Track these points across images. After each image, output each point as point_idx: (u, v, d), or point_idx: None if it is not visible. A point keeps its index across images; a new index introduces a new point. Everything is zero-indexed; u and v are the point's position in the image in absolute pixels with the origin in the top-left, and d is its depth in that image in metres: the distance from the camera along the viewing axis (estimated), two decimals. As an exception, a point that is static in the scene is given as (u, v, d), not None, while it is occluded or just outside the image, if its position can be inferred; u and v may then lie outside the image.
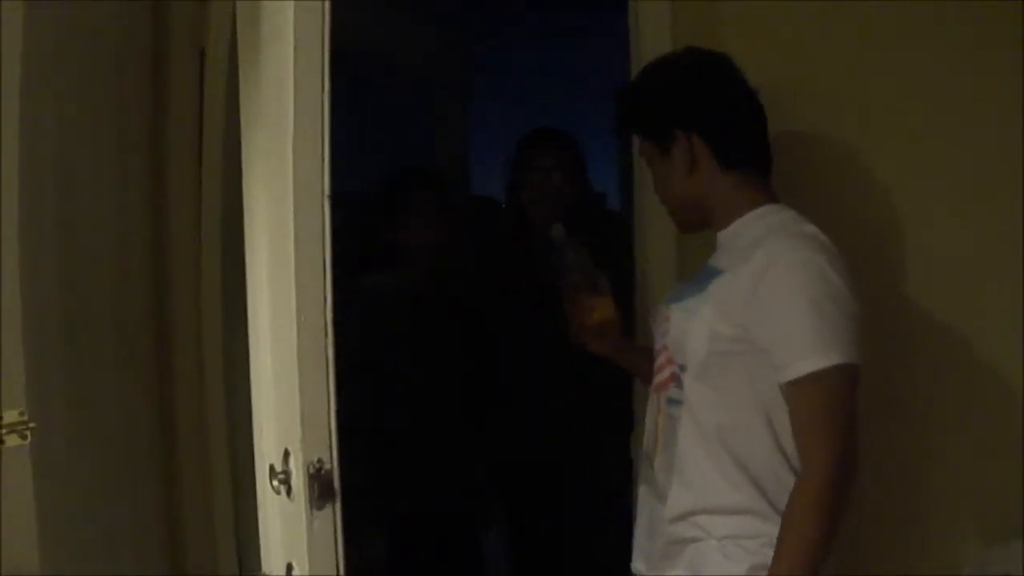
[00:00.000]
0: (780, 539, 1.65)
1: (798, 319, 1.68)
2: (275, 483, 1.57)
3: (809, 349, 1.66)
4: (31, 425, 1.68)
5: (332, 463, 1.52)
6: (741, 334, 1.72)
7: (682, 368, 1.80)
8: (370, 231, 2.76)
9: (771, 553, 1.66)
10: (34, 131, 1.78)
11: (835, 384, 1.66)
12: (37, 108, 1.80)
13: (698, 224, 1.92)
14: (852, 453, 1.67)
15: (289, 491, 1.55)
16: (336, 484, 1.52)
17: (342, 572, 1.54)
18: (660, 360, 1.88)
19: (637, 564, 1.91)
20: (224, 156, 2.36)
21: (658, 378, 1.88)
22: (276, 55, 1.58)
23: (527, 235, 2.87)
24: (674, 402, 1.82)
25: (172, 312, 2.43)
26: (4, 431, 1.66)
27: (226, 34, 2.25)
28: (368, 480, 1.93)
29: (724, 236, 1.86)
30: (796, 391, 1.67)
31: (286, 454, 1.56)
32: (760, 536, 1.70)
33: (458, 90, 4.04)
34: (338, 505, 1.52)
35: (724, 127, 1.84)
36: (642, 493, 1.92)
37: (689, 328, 1.79)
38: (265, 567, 1.75)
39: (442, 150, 3.88)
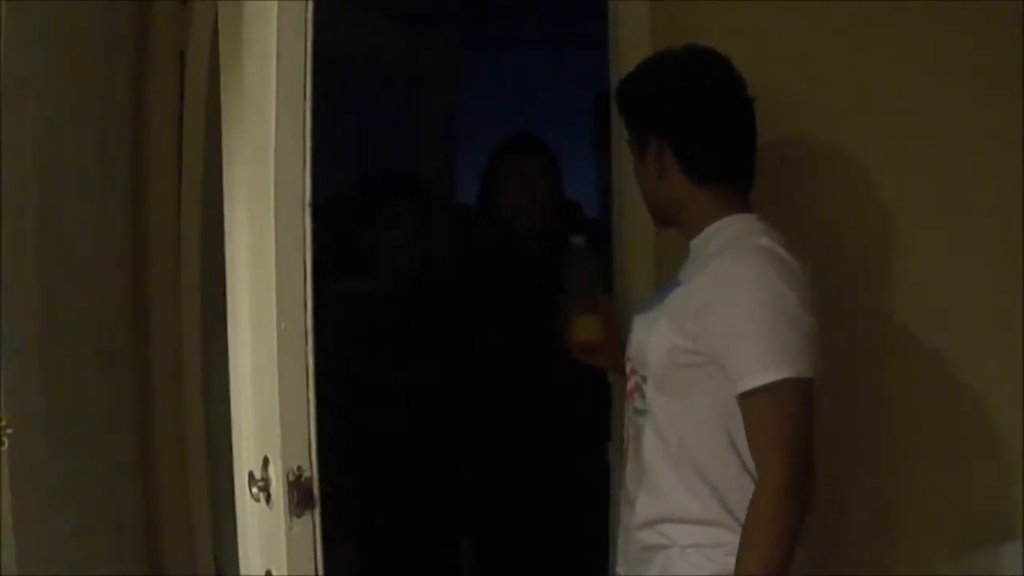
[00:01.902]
0: (739, 551, 1.65)
1: (747, 333, 1.68)
2: (254, 490, 1.57)
3: (760, 363, 1.66)
4: (8, 430, 1.67)
5: (312, 471, 1.51)
6: (695, 347, 1.72)
7: (644, 379, 1.82)
8: (350, 237, 2.75)
9: (734, 561, 1.66)
10: (15, 133, 1.78)
11: (786, 397, 1.65)
12: (19, 110, 1.79)
13: (671, 223, 1.92)
14: (807, 464, 1.65)
15: (268, 498, 1.55)
16: (315, 492, 1.52)
17: (321, 579, 1.54)
18: (627, 369, 1.90)
19: (619, 568, 1.92)
20: (204, 161, 2.35)
21: (627, 387, 1.90)
22: (258, 59, 1.57)
23: (505, 242, 2.85)
24: (639, 412, 1.84)
25: (152, 317, 2.42)
26: (-18, 436, 1.65)
27: (207, 37, 2.24)
28: (346, 488, 1.92)
29: (693, 246, 1.86)
30: (748, 404, 1.67)
31: (265, 461, 1.56)
32: (723, 545, 1.71)
33: (443, 94, 4.03)
34: (317, 513, 1.52)
35: (696, 143, 1.82)
36: (621, 500, 1.94)
37: (648, 340, 1.81)
38: (244, 573, 1.74)
39: (425, 155, 3.86)
